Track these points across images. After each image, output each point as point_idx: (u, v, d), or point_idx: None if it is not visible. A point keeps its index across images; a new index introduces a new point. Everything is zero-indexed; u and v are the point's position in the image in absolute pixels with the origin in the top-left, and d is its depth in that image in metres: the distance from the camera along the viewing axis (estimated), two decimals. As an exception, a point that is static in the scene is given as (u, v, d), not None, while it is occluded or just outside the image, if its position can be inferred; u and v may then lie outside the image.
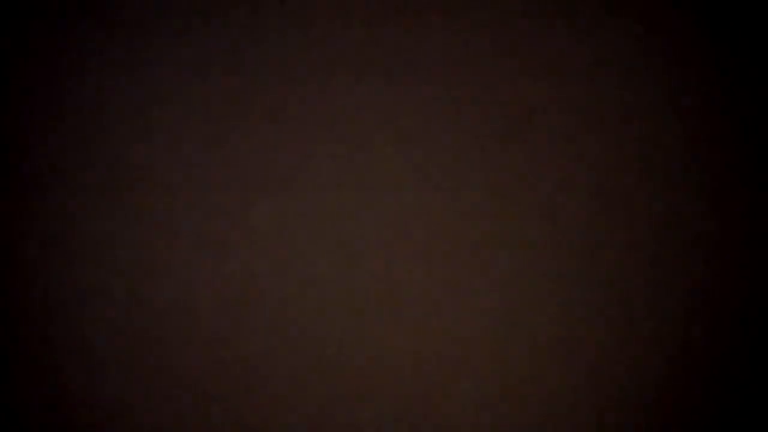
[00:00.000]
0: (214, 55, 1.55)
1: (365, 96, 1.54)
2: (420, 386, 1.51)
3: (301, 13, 1.55)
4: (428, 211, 1.53)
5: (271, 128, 1.54)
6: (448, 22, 1.54)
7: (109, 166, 1.54)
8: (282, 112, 1.54)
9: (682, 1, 1.53)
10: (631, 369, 1.51)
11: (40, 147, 1.55)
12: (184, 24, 1.55)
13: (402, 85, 1.54)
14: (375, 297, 1.52)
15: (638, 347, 1.51)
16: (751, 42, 1.53)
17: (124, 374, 1.53)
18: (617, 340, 1.51)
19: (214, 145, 1.54)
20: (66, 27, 1.56)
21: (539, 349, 1.51)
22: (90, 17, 1.56)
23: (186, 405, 1.52)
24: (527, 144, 1.53)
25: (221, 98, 1.55)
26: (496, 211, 1.52)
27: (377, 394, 1.51)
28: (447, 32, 1.54)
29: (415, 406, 1.51)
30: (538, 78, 1.53)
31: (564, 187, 1.52)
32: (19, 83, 1.56)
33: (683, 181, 1.52)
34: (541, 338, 1.51)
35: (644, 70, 1.53)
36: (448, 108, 1.53)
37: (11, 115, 1.56)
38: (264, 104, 1.54)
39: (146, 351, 1.53)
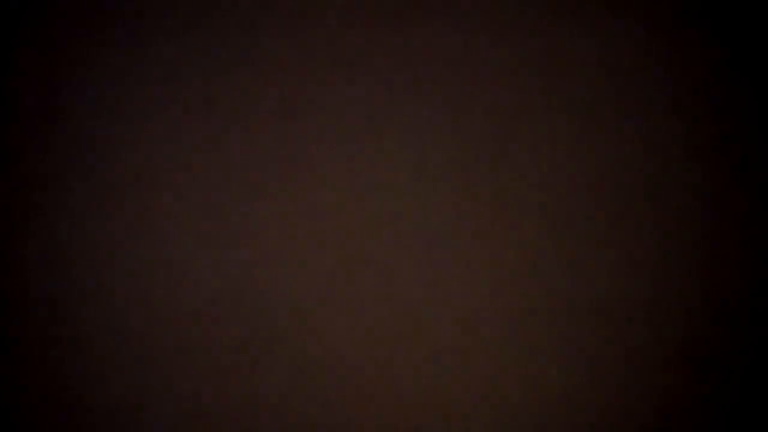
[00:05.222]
0: (214, 56, 1.55)
1: (365, 96, 1.54)
2: (420, 386, 1.51)
3: (300, 13, 1.55)
4: (428, 211, 1.53)
5: (271, 128, 1.54)
6: (448, 22, 1.54)
7: (109, 166, 1.54)
8: (282, 112, 1.54)
9: (682, 1, 1.53)
10: (631, 369, 1.51)
11: (40, 148, 1.55)
12: (184, 24, 1.55)
13: (402, 85, 1.54)
14: (375, 297, 1.52)
15: (638, 347, 1.51)
16: (751, 42, 1.53)
17: (124, 374, 1.53)
18: (617, 340, 1.51)
19: (214, 145, 1.54)
20: (66, 27, 1.56)
21: (539, 349, 1.51)
22: (90, 17, 1.56)
23: (186, 405, 1.52)
24: (527, 144, 1.53)
25: (221, 98, 1.55)
26: (496, 211, 1.52)
27: (376, 394, 1.51)
28: (447, 32, 1.54)
29: (415, 406, 1.51)
30: (539, 78, 1.53)
31: (564, 187, 1.52)
32: (19, 83, 1.56)
33: (683, 181, 1.52)
34: (541, 338, 1.51)
35: (645, 70, 1.53)
36: (449, 108, 1.53)
37: (12, 115, 1.56)
38: (264, 104, 1.54)
39: (146, 351, 1.53)
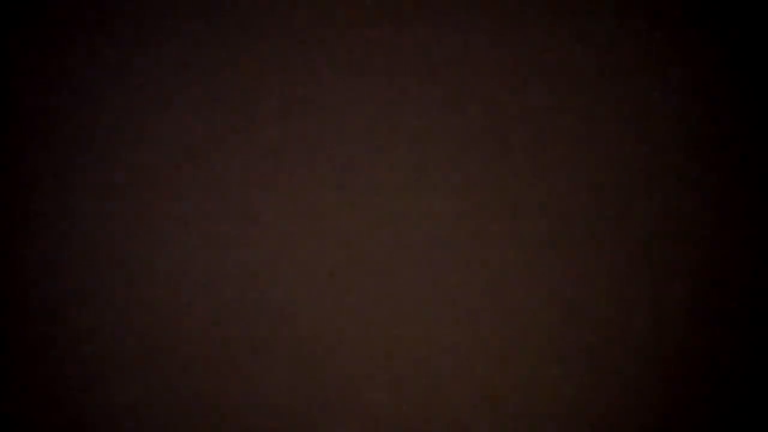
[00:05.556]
0: (215, 56, 1.55)
1: (366, 96, 1.54)
2: (420, 386, 1.51)
3: (301, 13, 1.55)
4: (429, 211, 1.53)
5: (271, 128, 1.54)
6: (449, 23, 1.54)
7: (109, 166, 1.54)
8: (282, 113, 1.54)
9: (682, 2, 1.53)
10: (631, 369, 1.51)
11: (40, 147, 1.55)
12: (185, 24, 1.55)
13: (403, 86, 1.54)
14: (375, 297, 1.52)
15: (638, 347, 1.51)
16: (751, 42, 1.53)
17: (124, 374, 1.53)
18: (617, 340, 1.51)
19: (215, 145, 1.54)
20: (67, 28, 1.56)
21: (539, 349, 1.51)
22: (91, 17, 1.56)
23: (185, 405, 1.52)
24: (528, 144, 1.53)
25: (221, 98, 1.55)
26: (497, 211, 1.52)
27: (376, 394, 1.52)
28: (448, 32, 1.54)
29: (414, 406, 1.52)
30: (539, 78, 1.53)
31: (564, 187, 1.52)
32: (19, 83, 1.56)
33: (683, 181, 1.52)
34: (541, 338, 1.51)
35: (645, 70, 1.53)
36: (449, 108, 1.53)
37: (12, 115, 1.56)
38: (264, 105, 1.54)
39: (146, 351, 1.53)
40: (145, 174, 1.54)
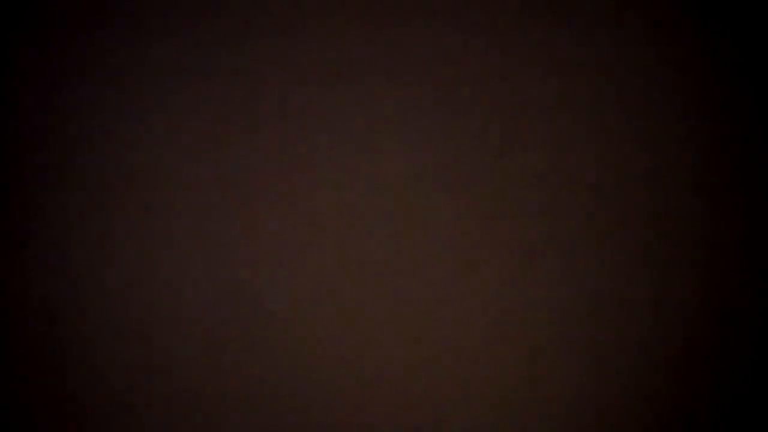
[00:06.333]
0: (214, 56, 1.55)
1: (366, 96, 1.54)
2: (420, 386, 1.51)
3: (300, 13, 1.55)
4: (429, 212, 1.53)
5: (272, 129, 1.54)
6: (449, 22, 1.54)
7: (110, 166, 1.54)
8: (283, 113, 1.54)
9: (682, 1, 1.53)
10: (631, 369, 1.51)
11: (40, 147, 1.55)
12: (185, 24, 1.55)
13: (403, 86, 1.54)
14: (374, 297, 1.52)
15: (638, 347, 1.51)
16: (751, 42, 1.53)
17: (124, 374, 1.53)
18: (617, 341, 1.51)
19: (214, 145, 1.54)
20: (67, 28, 1.56)
21: (539, 349, 1.51)
22: (90, 17, 1.56)
23: (185, 405, 1.52)
24: (528, 144, 1.53)
25: (222, 99, 1.55)
26: (497, 211, 1.52)
27: (376, 394, 1.52)
28: (448, 32, 1.54)
29: (414, 406, 1.52)
30: (539, 78, 1.53)
31: (564, 187, 1.52)
32: (19, 83, 1.56)
33: (683, 180, 1.52)
34: (541, 339, 1.51)
35: (645, 70, 1.53)
36: (449, 108, 1.53)
37: (12, 115, 1.56)
38: (265, 105, 1.54)
39: (146, 351, 1.53)
40: (145, 174, 1.54)
